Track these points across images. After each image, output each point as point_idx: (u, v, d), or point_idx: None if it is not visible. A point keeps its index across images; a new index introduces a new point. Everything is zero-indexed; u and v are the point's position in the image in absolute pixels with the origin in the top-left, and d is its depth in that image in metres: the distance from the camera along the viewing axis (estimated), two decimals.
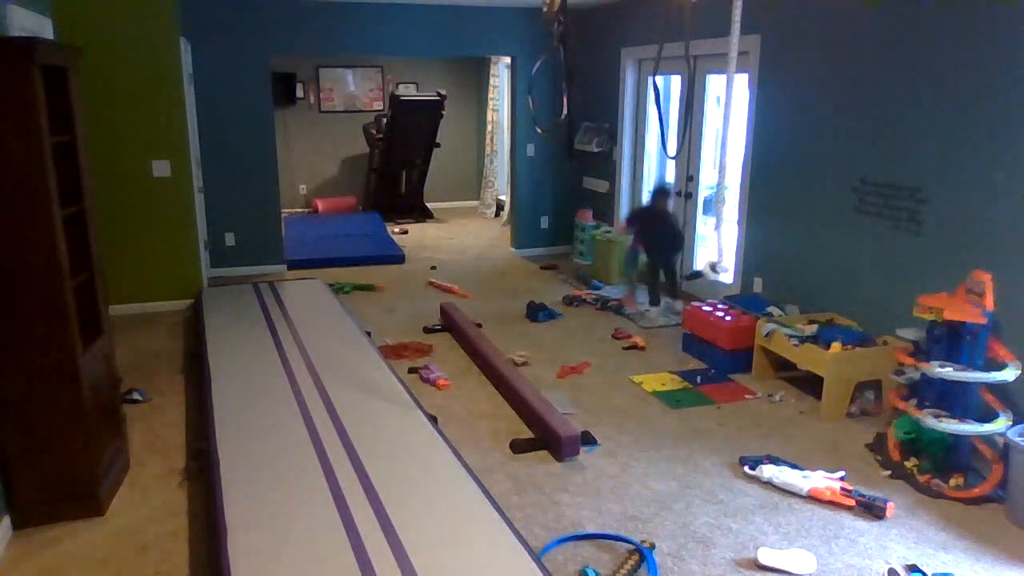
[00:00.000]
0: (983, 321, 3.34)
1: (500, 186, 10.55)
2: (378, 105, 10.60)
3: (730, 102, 2.59)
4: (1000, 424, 3.31)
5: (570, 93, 3.97)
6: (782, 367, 4.64)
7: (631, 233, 6.15)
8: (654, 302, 6.05)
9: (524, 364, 4.91)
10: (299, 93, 10.30)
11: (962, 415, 3.37)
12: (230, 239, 7.08)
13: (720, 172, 2.65)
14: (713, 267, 2.71)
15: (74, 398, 3.05)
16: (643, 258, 6.10)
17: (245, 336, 4.89)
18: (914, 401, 3.55)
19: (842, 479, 3.43)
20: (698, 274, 3.66)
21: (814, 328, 4.38)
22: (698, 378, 4.71)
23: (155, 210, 5.90)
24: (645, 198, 7.15)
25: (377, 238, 8.63)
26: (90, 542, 2.99)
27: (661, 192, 6.04)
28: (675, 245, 6.08)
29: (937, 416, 3.37)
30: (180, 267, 6.09)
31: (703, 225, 6.53)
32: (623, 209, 7.45)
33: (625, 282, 6.31)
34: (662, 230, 5.98)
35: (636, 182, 7.36)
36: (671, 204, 6.13)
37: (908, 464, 3.53)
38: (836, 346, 4.09)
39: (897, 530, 3.12)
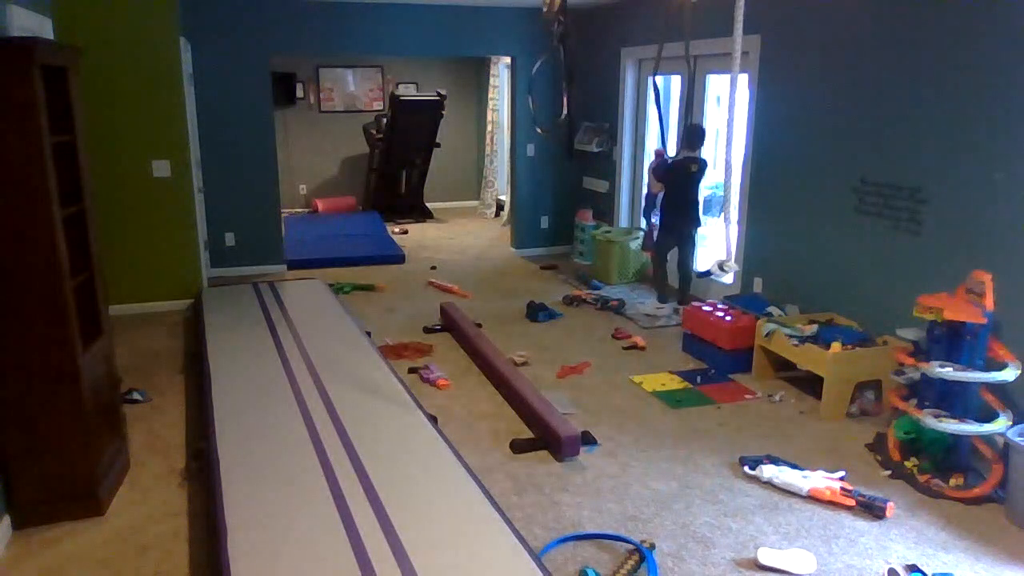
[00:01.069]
0: (983, 321, 3.34)
1: (500, 186, 10.55)
2: (378, 105, 10.61)
3: (733, 101, 2.58)
4: (1000, 424, 3.31)
5: (570, 93, 3.97)
6: (782, 367, 4.64)
7: (656, 193, 5.84)
8: (663, 300, 6.02)
9: (524, 364, 4.91)
10: (299, 93, 10.30)
11: (962, 415, 3.37)
12: (230, 239, 7.08)
13: (727, 171, 2.64)
14: (721, 266, 2.71)
15: (74, 398, 3.05)
16: (657, 222, 5.92)
17: (245, 336, 4.89)
18: (914, 401, 3.55)
19: (842, 479, 3.43)
20: (707, 273, 3.64)
21: (814, 328, 4.38)
22: (698, 378, 4.70)
23: (155, 210, 5.90)
24: (644, 198, 7.15)
25: (377, 238, 8.63)
26: (90, 542, 2.99)
27: (695, 135, 5.58)
28: (695, 216, 5.81)
29: (937, 416, 3.37)
30: (180, 267, 6.09)
31: (703, 225, 6.52)
32: (623, 209, 7.45)
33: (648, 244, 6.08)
34: (689, 192, 5.70)
35: (636, 182, 7.36)
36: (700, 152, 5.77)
37: (908, 464, 3.53)
38: (836, 346, 4.09)
39: (897, 530, 3.12)
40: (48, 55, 2.95)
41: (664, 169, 5.84)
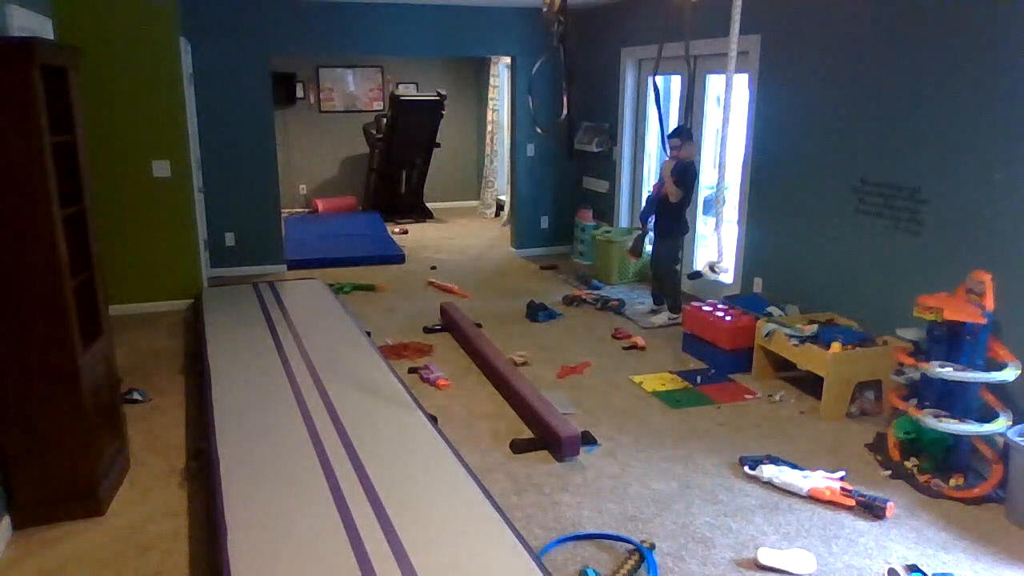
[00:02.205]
0: (983, 321, 3.34)
1: (500, 186, 10.55)
2: (378, 105, 10.60)
3: (729, 102, 2.58)
4: (1000, 424, 3.31)
5: (570, 93, 3.96)
6: (782, 367, 4.64)
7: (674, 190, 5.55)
8: (678, 311, 5.92)
9: (524, 364, 4.91)
10: (299, 93, 10.30)
11: (962, 415, 3.37)
12: (230, 239, 7.07)
13: (720, 172, 2.64)
14: (712, 267, 2.71)
15: (74, 398, 3.05)
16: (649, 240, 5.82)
17: (245, 336, 4.89)
18: (914, 401, 3.55)
19: (842, 479, 3.43)
20: (698, 274, 3.62)
21: (814, 328, 4.38)
22: (698, 378, 4.70)
23: (155, 210, 5.90)
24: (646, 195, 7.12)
25: (377, 238, 8.63)
26: (90, 542, 2.99)
27: (681, 135, 5.42)
28: (675, 226, 5.64)
29: (937, 416, 3.37)
30: (180, 267, 6.09)
31: (703, 225, 6.53)
32: (623, 209, 7.45)
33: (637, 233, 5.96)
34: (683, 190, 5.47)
35: (636, 182, 7.36)
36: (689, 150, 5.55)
37: (908, 464, 3.53)
38: (836, 346, 4.09)
39: (897, 530, 3.12)
40: (48, 55, 2.95)
41: (691, 172, 5.57)
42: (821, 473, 3.46)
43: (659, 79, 5.33)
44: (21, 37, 3.19)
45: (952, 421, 3.34)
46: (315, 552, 2.60)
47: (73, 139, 3.19)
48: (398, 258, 7.88)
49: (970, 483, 3.37)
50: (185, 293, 6.12)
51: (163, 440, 3.87)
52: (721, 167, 2.62)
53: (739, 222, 5.62)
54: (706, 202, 6.51)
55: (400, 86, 10.59)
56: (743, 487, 3.44)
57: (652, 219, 5.79)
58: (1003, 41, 3.60)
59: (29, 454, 3.05)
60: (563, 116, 4.13)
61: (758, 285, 5.48)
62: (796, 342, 4.31)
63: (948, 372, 3.35)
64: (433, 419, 3.74)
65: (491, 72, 10.19)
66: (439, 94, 9.65)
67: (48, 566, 2.84)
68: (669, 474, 3.56)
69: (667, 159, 5.56)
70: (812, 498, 3.32)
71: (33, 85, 2.79)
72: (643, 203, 6.06)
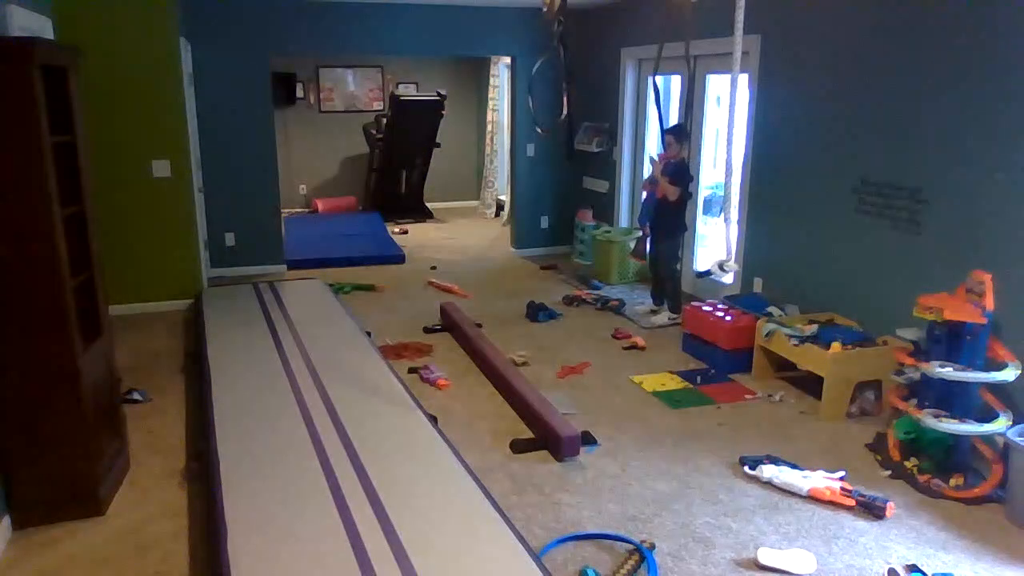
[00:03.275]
0: (983, 321, 3.34)
1: (500, 186, 10.55)
2: (378, 105, 10.60)
3: (734, 101, 2.58)
4: (1000, 424, 3.31)
5: (570, 93, 3.97)
6: (782, 367, 4.64)
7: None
8: (678, 311, 5.92)
9: (524, 364, 4.91)
10: (299, 93, 10.30)
11: (962, 415, 3.37)
12: (230, 239, 7.07)
13: (727, 171, 2.63)
14: (721, 266, 2.70)
15: (74, 398, 3.05)
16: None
17: (245, 336, 4.89)
18: (914, 401, 3.55)
19: (842, 479, 3.43)
20: (707, 273, 3.62)
21: (814, 328, 4.38)
22: (698, 378, 4.70)
23: (155, 210, 5.90)
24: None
25: (377, 238, 8.64)
26: (90, 542, 2.99)
27: (678, 134, 5.36)
28: (675, 226, 5.62)
29: (937, 416, 3.37)
30: (180, 267, 6.09)
31: (703, 225, 6.53)
32: (623, 209, 7.45)
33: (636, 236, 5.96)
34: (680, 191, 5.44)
35: (636, 182, 7.36)
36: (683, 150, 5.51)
37: (908, 464, 3.53)
38: (836, 346, 4.09)
39: (897, 530, 3.12)
40: (48, 55, 2.95)
41: (686, 171, 5.57)
42: (821, 473, 3.46)
43: (659, 79, 5.33)
44: (21, 37, 3.20)
45: (952, 421, 3.34)
46: (315, 552, 2.60)
47: (73, 139, 3.19)
48: (398, 258, 7.88)
49: (970, 483, 3.37)
50: (185, 293, 6.12)
51: (163, 440, 3.86)
52: (728, 167, 2.61)
53: (739, 222, 5.62)
54: (706, 202, 6.51)
55: (400, 86, 10.59)
56: (743, 487, 3.44)
57: (648, 221, 5.79)
58: (1004, 41, 3.60)
59: (29, 454, 3.04)
60: (563, 116, 4.14)
61: (758, 285, 5.48)
62: (796, 342, 4.31)
63: (948, 372, 3.35)
64: (433, 419, 3.74)
65: (491, 72, 10.18)
66: (439, 94, 9.65)
67: (48, 566, 2.84)
68: (669, 474, 3.56)
69: (657, 159, 5.57)
70: (812, 498, 3.32)
71: (33, 85, 2.79)
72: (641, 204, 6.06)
